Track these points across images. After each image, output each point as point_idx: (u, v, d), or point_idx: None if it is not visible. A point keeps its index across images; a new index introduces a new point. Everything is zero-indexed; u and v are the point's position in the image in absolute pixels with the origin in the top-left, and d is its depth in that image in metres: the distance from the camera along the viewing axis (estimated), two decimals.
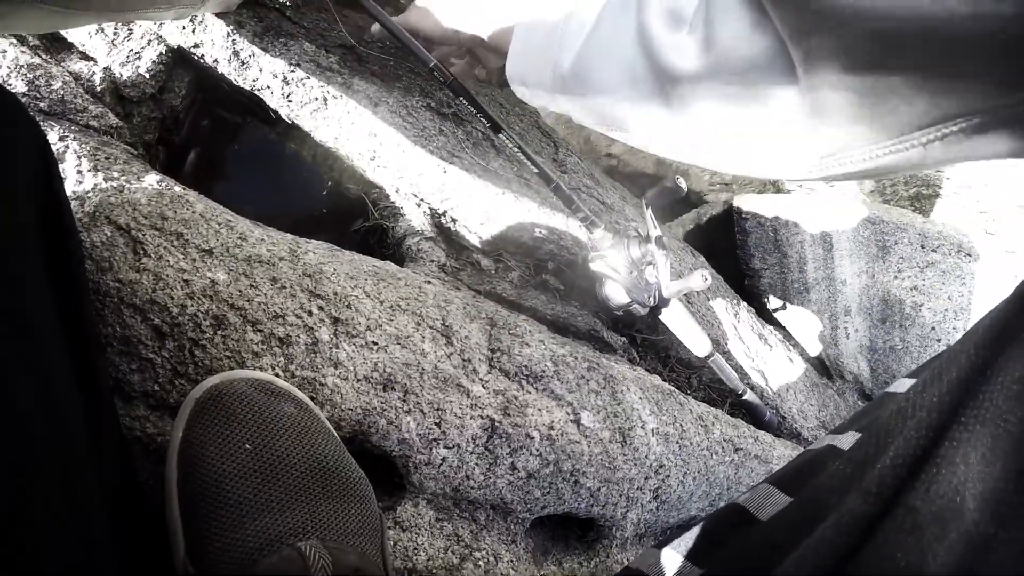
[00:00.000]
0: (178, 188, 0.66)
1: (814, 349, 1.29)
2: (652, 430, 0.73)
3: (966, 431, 0.36)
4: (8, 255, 0.35)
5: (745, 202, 1.35)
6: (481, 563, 0.61)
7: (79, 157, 0.65)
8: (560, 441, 0.65)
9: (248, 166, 0.84)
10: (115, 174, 0.65)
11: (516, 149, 0.72)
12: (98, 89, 0.78)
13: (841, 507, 0.40)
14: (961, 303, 1.23)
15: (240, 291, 0.57)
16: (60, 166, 0.63)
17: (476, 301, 0.73)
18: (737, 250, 1.37)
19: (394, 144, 0.75)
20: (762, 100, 0.44)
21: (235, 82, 0.76)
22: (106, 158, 0.67)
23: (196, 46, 0.76)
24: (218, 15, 0.76)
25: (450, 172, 0.76)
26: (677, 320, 0.81)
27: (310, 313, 0.58)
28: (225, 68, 0.75)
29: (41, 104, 0.73)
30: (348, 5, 0.80)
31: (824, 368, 1.30)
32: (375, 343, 0.59)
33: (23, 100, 0.72)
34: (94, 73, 0.78)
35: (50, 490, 0.33)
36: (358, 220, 0.83)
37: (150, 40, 0.79)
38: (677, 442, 0.77)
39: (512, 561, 0.64)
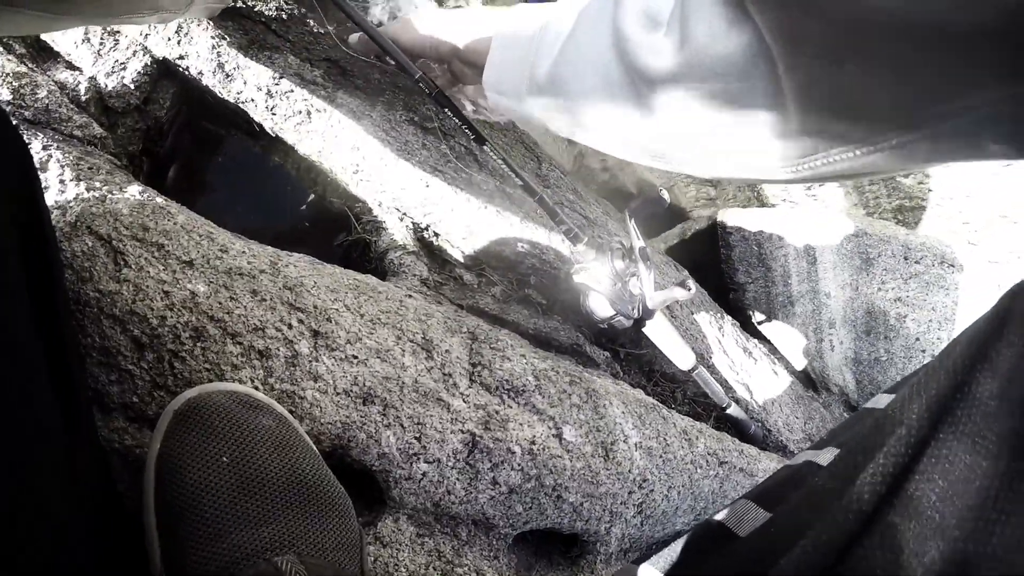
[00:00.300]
0: (160, 199, 0.66)
1: (799, 362, 1.31)
2: (635, 444, 0.74)
3: (945, 448, 0.37)
4: None
5: (729, 216, 1.37)
6: None
7: (62, 167, 0.65)
8: (542, 456, 0.66)
9: (232, 178, 0.85)
10: (97, 184, 0.65)
11: (500, 161, 0.73)
12: (83, 99, 0.78)
13: (820, 523, 0.40)
14: (945, 313, 1.25)
15: (220, 303, 0.57)
16: (43, 175, 0.63)
17: (458, 315, 0.73)
18: (722, 264, 1.39)
19: (377, 158, 0.76)
20: (740, 99, 0.44)
21: (219, 94, 0.76)
22: (89, 168, 0.67)
23: (181, 57, 0.77)
24: (205, 25, 0.77)
25: (432, 186, 0.76)
26: (661, 333, 0.82)
27: (290, 326, 0.58)
28: (210, 80, 0.76)
29: (26, 113, 0.73)
30: (334, 14, 0.81)
31: (810, 381, 1.31)
32: (355, 357, 0.59)
33: (8, 108, 0.72)
34: (79, 83, 0.78)
35: (24, 498, 0.33)
36: (341, 233, 0.84)
37: (135, 51, 0.79)
38: (661, 456, 0.77)
39: None
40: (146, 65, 0.79)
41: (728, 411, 0.94)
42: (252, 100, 0.75)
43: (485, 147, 0.72)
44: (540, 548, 0.74)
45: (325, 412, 0.56)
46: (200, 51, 0.75)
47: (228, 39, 0.75)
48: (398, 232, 0.82)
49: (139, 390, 0.53)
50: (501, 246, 0.82)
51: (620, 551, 0.76)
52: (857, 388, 1.29)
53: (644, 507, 0.75)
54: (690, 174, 0.64)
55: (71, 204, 0.60)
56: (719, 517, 0.53)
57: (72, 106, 0.78)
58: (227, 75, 0.75)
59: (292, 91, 0.74)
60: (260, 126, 0.77)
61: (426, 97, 0.73)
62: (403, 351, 0.63)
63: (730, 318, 1.16)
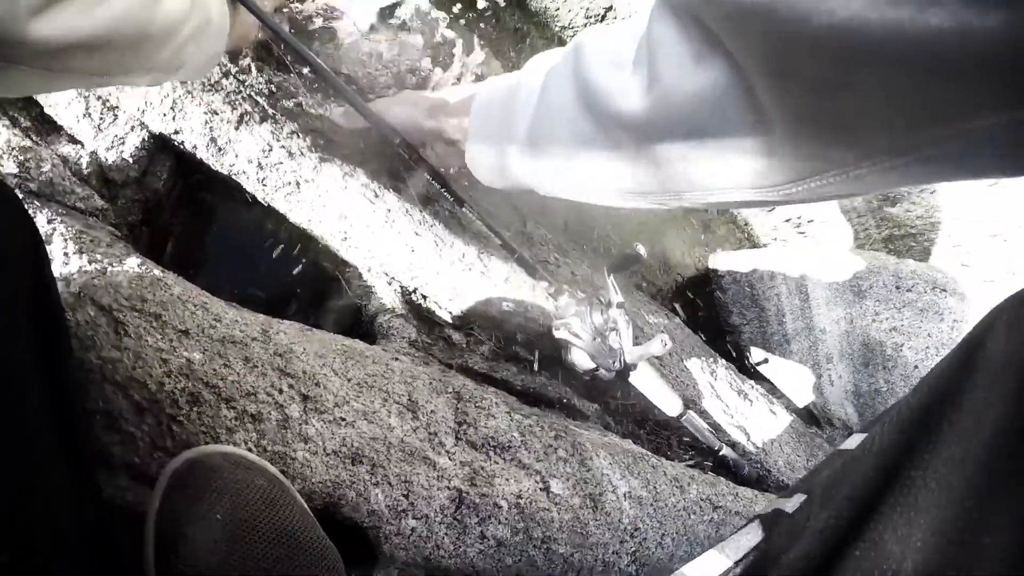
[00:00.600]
0: (157, 271, 0.72)
1: (800, 399, 1.34)
2: (624, 494, 0.78)
3: (909, 494, 0.38)
4: (1, 338, 0.41)
5: (720, 260, 1.43)
6: None
7: (65, 240, 0.71)
8: (529, 509, 0.70)
9: (227, 245, 0.91)
10: (98, 256, 0.71)
11: (479, 221, 0.79)
12: (85, 172, 0.85)
13: (782, 567, 0.44)
14: (941, 339, 1.28)
15: (215, 370, 0.62)
16: (48, 248, 0.70)
17: (444, 376, 0.78)
18: (716, 308, 1.44)
19: (363, 225, 0.82)
20: (718, 131, 0.45)
21: (213, 167, 0.82)
22: (91, 241, 0.73)
23: (176, 132, 0.83)
24: (198, 101, 0.84)
25: (417, 250, 0.82)
26: (646, 382, 0.86)
27: (280, 391, 0.63)
28: (203, 154, 0.82)
29: (31, 185, 0.80)
30: (319, 87, 0.88)
31: (812, 417, 1.35)
32: (343, 419, 0.64)
33: (14, 181, 0.79)
34: (81, 156, 0.85)
35: (34, 547, 0.38)
36: (333, 298, 0.90)
37: (133, 126, 0.86)
38: (652, 504, 0.81)
39: None
40: (143, 140, 0.85)
41: (720, 453, 0.98)
42: (244, 172, 0.81)
43: (464, 208, 0.78)
44: None
45: (316, 472, 0.61)
46: (194, 126, 0.82)
47: (219, 114, 0.82)
48: (387, 296, 0.87)
49: (140, 451, 0.58)
50: (487, 305, 0.87)
51: None
52: (859, 420, 1.32)
53: (638, 555, 0.78)
54: (689, 207, 0.66)
55: (74, 276, 0.66)
56: (686, 571, 0.57)
57: (75, 179, 0.85)
58: (220, 149, 0.81)
59: (281, 163, 0.81)
60: (253, 196, 0.83)
61: (407, 163, 0.79)
62: (389, 412, 0.68)
63: (724, 361, 1.20)
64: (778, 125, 0.42)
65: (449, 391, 0.75)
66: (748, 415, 1.13)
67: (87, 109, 0.88)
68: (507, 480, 0.70)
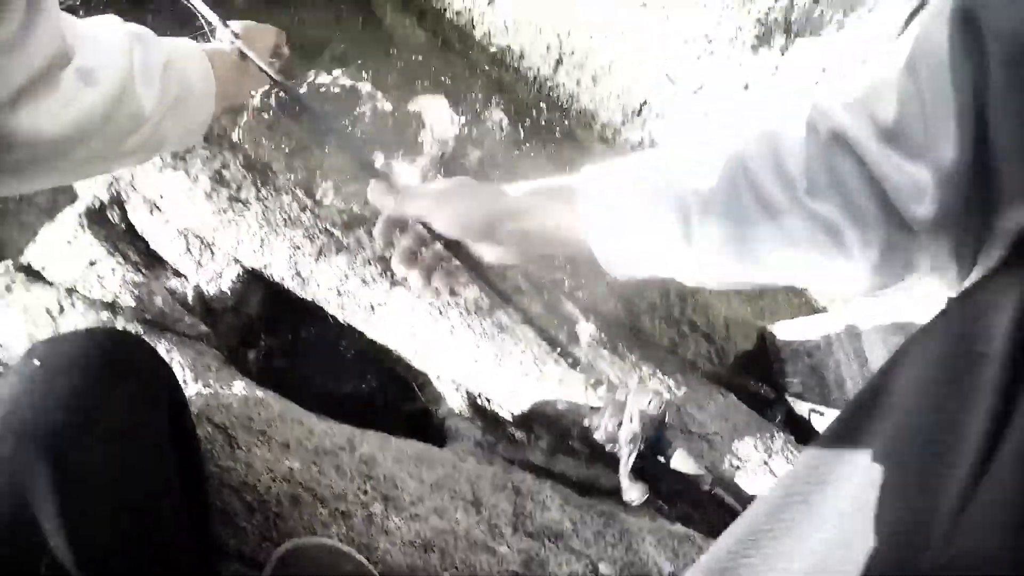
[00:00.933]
0: (259, 392, 0.90)
1: None
2: (669, 574, 0.89)
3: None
4: (153, 457, 0.59)
5: (778, 330, 1.52)
6: None
7: (183, 367, 0.90)
8: None
9: (313, 360, 1.09)
10: (211, 380, 0.90)
11: (527, 325, 0.93)
12: (190, 302, 1.05)
13: None
14: None
15: (311, 476, 0.79)
16: None
17: (506, 472, 0.93)
18: (775, 378, 1.52)
19: (432, 340, 0.98)
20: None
21: (298, 294, 1.02)
22: (203, 367, 0.92)
23: (265, 266, 1.03)
24: (283, 237, 1.03)
25: (480, 360, 0.98)
26: (685, 464, 0.98)
27: (365, 492, 0.79)
28: (289, 284, 1.02)
29: (147, 315, 1.00)
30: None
31: None
32: (417, 515, 0.80)
33: (133, 310, 1.00)
34: (186, 289, 1.05)
35: None
36: (408, 404, 1.07)
37: (228, 262, 1.06)
38: None
39: None
40: (238, 274, 1.05)
41: None
42: (326, 299, 1.00)
43: (509, 308, 0.91)
44: None
45: (394, 559, 0.76)
46: (279, 261, 1.02)
47: (301, 248, 1.01)
48: (454, 401, 1.03)
49: (250, 542, 0.74)
50: (544, 405, 1.01)
51: None
52: None
53: None
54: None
55: (193, 398, 0.84)
56: None
57: (181, 309, 1.05)
58: (303, 279, 1.00)
59: (356, 290, 0.99)
60: (334, 317, 1.02)
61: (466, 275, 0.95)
62: (456, 508, 0.83)
63: (783, 435, 1.29)
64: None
65: (509, 487, 0.89)
66: None
67: (187, 246, 1.09)
68: (559, 564, 0.83)
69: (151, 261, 1.12)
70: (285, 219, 1.03)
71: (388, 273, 1.00)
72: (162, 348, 0.94)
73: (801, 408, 1.49)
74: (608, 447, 0.88)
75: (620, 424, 0.86)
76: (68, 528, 0.48)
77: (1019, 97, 0.39)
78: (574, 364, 0.91)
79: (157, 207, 1.09)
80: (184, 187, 1.05)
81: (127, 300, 1.00)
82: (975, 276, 0.48)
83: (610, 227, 0.61)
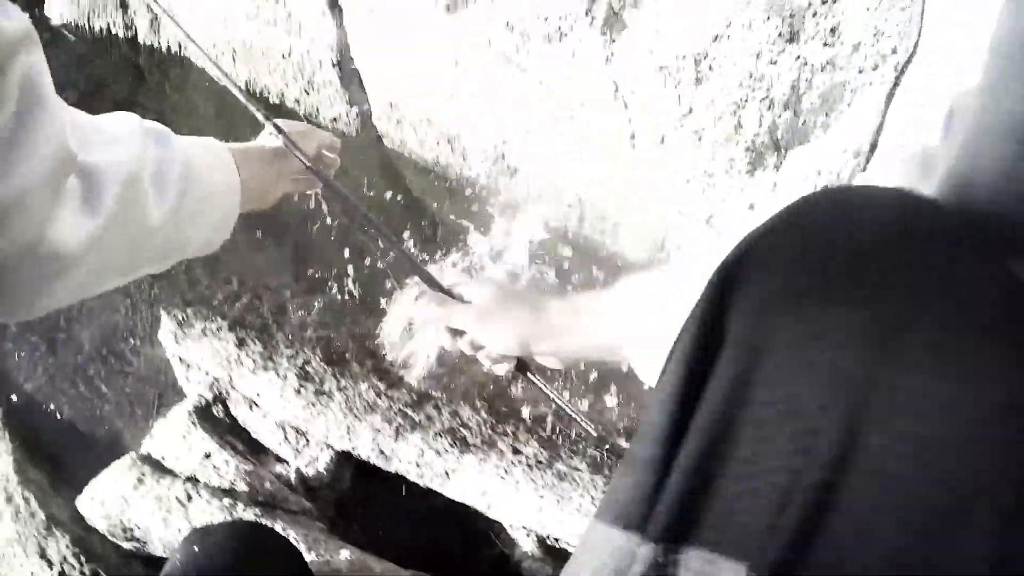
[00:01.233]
0: (359, 554, 1.08)
1: None
2: None
3: None
4: None
5: None
6: None
7: (297, 541, 1.08)
8: None
9: (403, 521, 1.27)
10: (322, 551, 1.08)
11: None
12: (292, 483, 1.25)
13: None
14: None
15: None
16: None
17: None
18: None
19: (501, 495, 1.14)
20: None
21: (383, 469, 1.20)
22: (314, 540, 1.11)
23: (353, 448, 1.22)
24: (366, 423, 1.23)
25: (544, 508, 1.14)
26: None
27: None
28: (374, 461, 1.20)
29: (259, 498, 1.20)
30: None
31: None
32: None
33: (247, 494, 1.19)
34: (289, 472, 1.25)
35: None
36: (487, 549, 1.23)
37: (322, 447, 1.26)
38: None
39: None
40: (331, 457, 1.25)
41: None
42: (407, 471, 1.18)
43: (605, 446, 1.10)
44: None
45: None
46: (364, 443, 1.21)
47: (381, 431, 1.20)
48: (526, 544, 1.18)
49: None
50: None
51: None
52: None
53: None
54: None
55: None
56: None
57: (286, 489, 1.25)
58: (386, 457, 1.19)
59: (432, 461, 1.17)
60: (416, 484, 1.20)
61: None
62: None
63: None
64: None
65: None
66: None
67: (285, 436, 1.30)
68: None
69: (256, 449, 1.33)
70: (365, 406, 1.23)
71: (457, 443, 1.18)
72: (279, 526, 1.13)
73: None
74: None
75: None
76: None
77: None
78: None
79: (255, 404, 1.31)
80: (276, 386, 1.26)
81: (241, 486, 1.20)
82: None
83: (647, 342, 0.63)
